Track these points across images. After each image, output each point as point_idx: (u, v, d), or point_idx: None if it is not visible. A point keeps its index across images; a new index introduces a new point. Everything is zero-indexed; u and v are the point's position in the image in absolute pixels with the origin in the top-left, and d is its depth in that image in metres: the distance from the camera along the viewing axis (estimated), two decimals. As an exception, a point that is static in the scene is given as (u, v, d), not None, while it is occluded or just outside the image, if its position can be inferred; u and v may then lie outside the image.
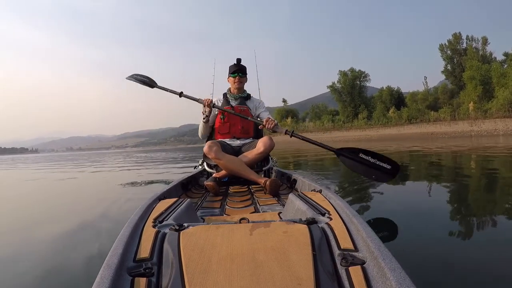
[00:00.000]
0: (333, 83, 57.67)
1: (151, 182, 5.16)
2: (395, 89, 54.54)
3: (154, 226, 1.10)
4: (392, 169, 2.28)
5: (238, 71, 3.08)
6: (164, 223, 1.15)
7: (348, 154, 2.33)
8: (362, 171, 2.31)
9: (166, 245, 0.94)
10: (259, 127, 2.87)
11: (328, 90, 58.59)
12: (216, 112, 3.15)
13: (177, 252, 0.88)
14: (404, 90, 58.71)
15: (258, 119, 3.07)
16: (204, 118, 3.02)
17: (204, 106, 2.97)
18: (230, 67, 3.11)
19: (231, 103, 3.12)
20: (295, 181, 2.65)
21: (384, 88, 54.86)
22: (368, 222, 1.06)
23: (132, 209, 1.30)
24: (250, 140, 3.06)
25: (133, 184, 5.06)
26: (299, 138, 2.67)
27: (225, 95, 3.21)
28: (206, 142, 2.83)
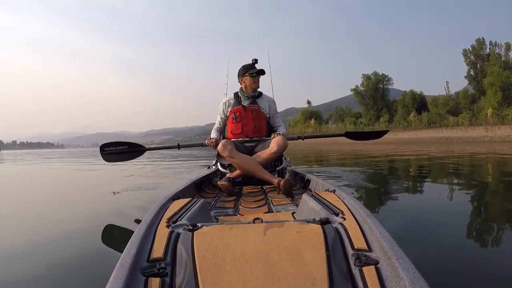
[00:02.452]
0: (357, 86, 57.63)
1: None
2: (418, 92, 54.06)
3: (167, 226, 1.11)
4: (381, 133, 3.44)
5: (260, 73, 3.06)
6: (177, 223, 1.16)
7: (351, 135, 3.41)
8: (360, 138, 3.45)
9: (179, 245, 0.94)
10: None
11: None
12: (228, 113, 3.16)
13: (190, 252, 0.88)
14: (429, 93, 58.10)
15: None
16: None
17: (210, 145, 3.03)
18: (247, 67, 3.07)
19: (242, 102, 3.11)
20: (308, 181, 2.64)
21: (407, 91, 54.35)
22: (382, 222, 1.04)
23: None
24: (263, 140, 3.05)
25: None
26: (310, 138, 3.00)
27: (236, 94, 3.20)
28: (221, 141, 2.84)
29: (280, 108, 3.35)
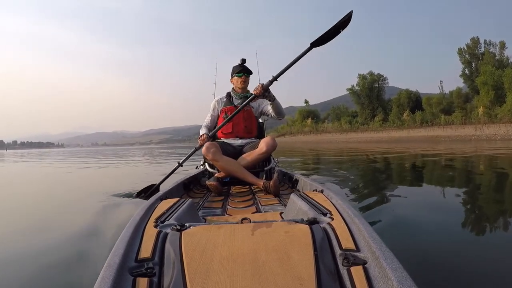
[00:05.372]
0: (352, 86, 58.60)
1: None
2: (413, 91, 55.03)
3: (155, 226, 1.10)
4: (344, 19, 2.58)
5: (244, 71, 3.07)
6: (165, 223, 1.15)
7: (317, 41, 2.63)
8: (331, 37, 2.64)
9: (167, 245, 0.93)
10: (254, 92, 2.71)
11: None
12: (219, 112, 3.15)
13: (178, 252, 0.88)
14: (426, 91, 58.96)
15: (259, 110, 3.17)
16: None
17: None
18: (235, 67, 3.11)
19: (234, 102, 3.12)
20: (296, 181, 2.65)
21: (403, 90, 55.31)
22: (370, 223, 1.05)
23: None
24: (252, 140, 3.06)
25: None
26: (281, 73, 2.64)
27: (228, 94, 3.22)
28: (205, 143, 2.81)
29: None
